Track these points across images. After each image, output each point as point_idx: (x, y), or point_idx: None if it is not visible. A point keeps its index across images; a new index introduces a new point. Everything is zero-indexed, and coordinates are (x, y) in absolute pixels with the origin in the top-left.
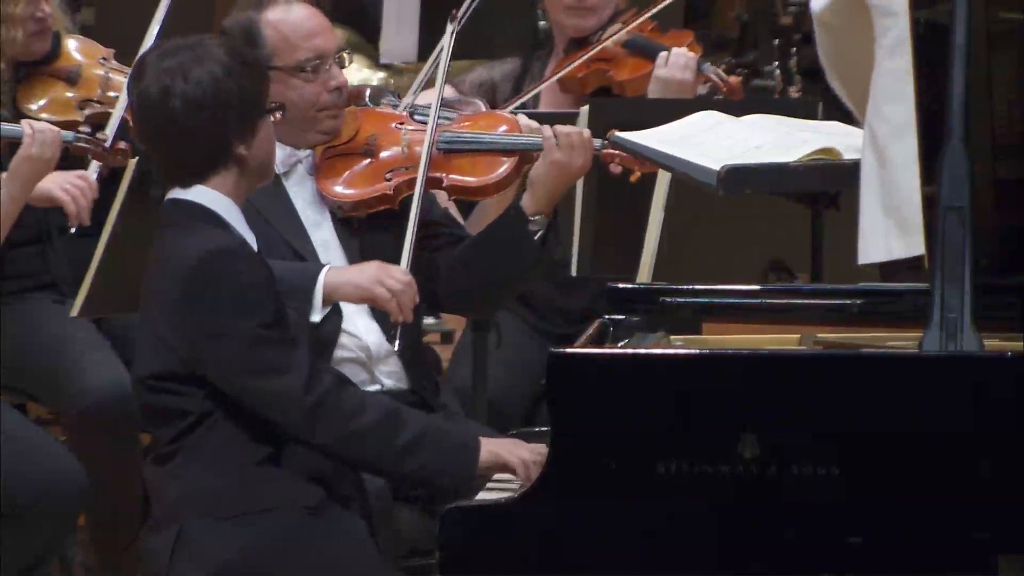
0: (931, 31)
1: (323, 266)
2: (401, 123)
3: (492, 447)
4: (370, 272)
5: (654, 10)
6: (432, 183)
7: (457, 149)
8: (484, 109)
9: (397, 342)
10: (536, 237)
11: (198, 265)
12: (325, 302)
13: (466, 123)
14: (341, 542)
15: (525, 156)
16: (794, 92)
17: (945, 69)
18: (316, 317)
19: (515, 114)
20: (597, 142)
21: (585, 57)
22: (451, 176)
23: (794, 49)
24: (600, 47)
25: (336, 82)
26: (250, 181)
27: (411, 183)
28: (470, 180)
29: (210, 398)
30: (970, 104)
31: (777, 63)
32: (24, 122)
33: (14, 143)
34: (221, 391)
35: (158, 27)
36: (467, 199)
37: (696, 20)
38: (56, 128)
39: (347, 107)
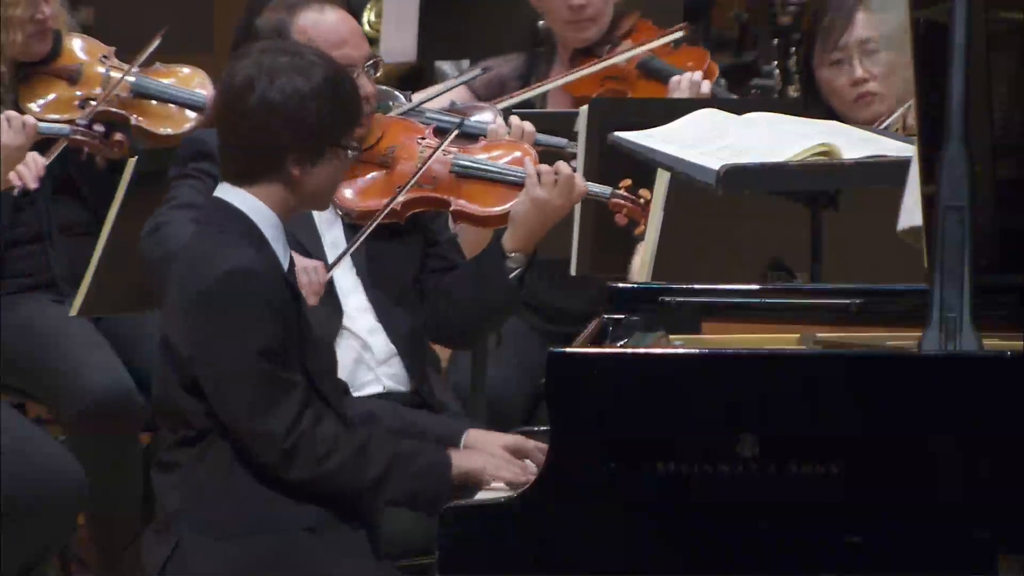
0: (931, 31)
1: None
2: (423, 138)
3: (462, 463)
4: None
5: (669, 37)
6: (440, 204)
7: (470, 175)
8: (491, 115)
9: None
10: (512, 275)
11: (217, 283)
12: None
13: (484, 150)
14: (338, 559)
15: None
16: (793, 92)
17: (945, 69)
18: None
19: (513, 112)
20: (606, 190)
21: (596, 67)
22: (460, 201)
23: (793, 49)
24: (611, 62)
25: (363, 92)
26: (300, 203)
27: (423, 200)
28: (476, 209)
29: (209, 416)
30: (970, 104)
31: (776, 63)
32: None
33: None
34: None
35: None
36: (470, 225)
37: (695, 19)
38: (30, 117)
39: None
